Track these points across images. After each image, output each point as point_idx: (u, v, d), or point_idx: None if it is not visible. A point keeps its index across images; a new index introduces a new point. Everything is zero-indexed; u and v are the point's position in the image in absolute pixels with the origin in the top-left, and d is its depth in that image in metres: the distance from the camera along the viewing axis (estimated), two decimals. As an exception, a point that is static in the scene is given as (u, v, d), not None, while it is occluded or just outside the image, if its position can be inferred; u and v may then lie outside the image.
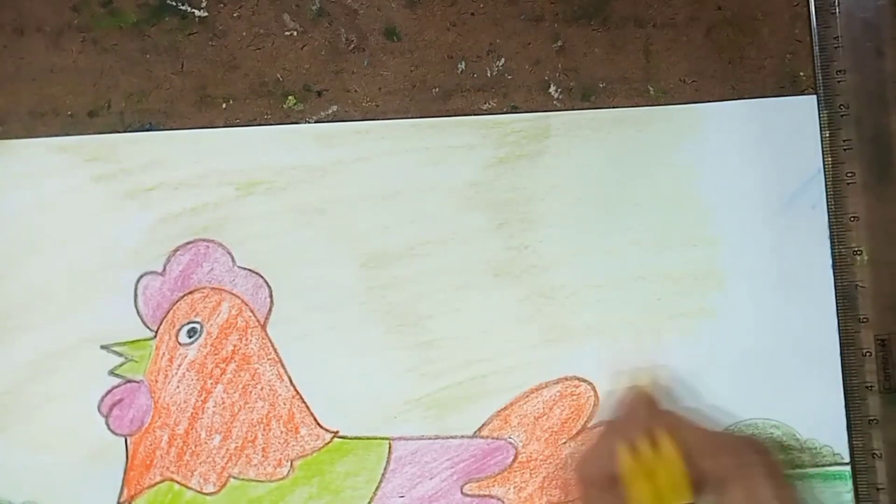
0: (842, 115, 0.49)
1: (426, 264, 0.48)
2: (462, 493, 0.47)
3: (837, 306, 0.49)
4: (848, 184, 0.49)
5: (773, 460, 0.43)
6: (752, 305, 0.48)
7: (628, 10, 0.51)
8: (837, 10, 0.50)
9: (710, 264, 0.48)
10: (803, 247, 0.48)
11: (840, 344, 0.49)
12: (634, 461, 0.43)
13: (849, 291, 0.49)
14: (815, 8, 0.50)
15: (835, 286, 0.49)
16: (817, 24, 0.50)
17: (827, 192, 0.49)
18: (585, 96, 0.50)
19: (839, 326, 0.49)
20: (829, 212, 0.49)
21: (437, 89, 0.50)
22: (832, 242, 0.49)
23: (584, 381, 0.48)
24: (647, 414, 0.45)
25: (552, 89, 0.51)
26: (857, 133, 0.49)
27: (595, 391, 0.48)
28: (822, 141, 0.49)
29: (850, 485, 0.48)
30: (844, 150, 0.49)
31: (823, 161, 0.49)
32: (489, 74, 0.50)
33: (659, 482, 0.43)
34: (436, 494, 0.47)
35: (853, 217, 0.49)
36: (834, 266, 0.49)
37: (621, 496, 0.43)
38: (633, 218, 0.49)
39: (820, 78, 0.50)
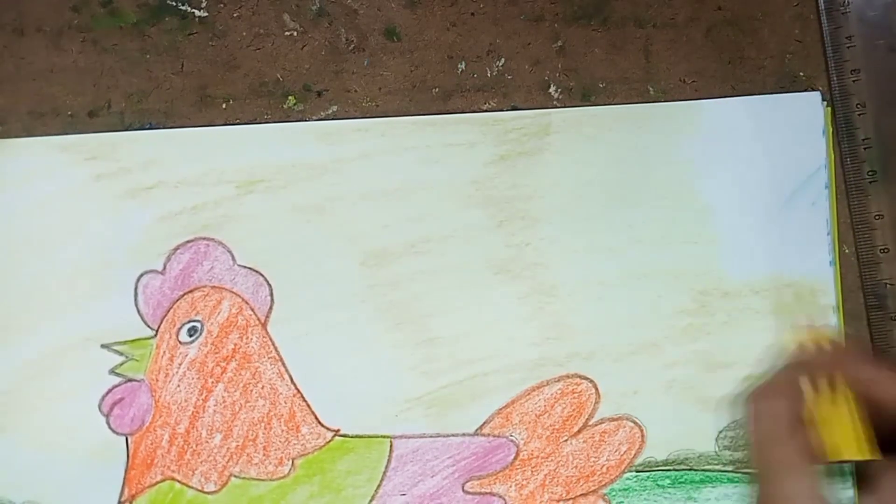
0: (859, 115, 0.52)
1: (427, 262, 0.51)
2: (463, 490, 0.49)
3: (867, 306, 0.51)
4: (870, 182, 0.52)
5: None
6: (753, 302, 0.51)
7: (628, 10, 0.54)
8: (848, 10, 0.52)
9: (710, 261, 0.51)
10: (803, 244, 0.51)
11: (871, 343, 0.50)
12: (813, 403, 0.43)
13: (878, 290, 0.51)
14: (825, 9, 0.53)
15: (862, 287, 0.51)
16: (828, 25, 0.53)
17: (848, 190, 0.52)
18: (585, 96, 0.53)
19: (869, 326, 0.51)
20: (850, 212, 0.52)
21: (437, 89, 0.53)
22: (856, 243, 0.51)
23: (585, 378, 0.50)
24: (833, 359, 0.45)
25: (552, 89, 0.54)
26: (875, 131, 0.52)
27: (596, 389, 0.50)
28: (829, 140, 0.52)
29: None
30: (864, 148, 0.52)
31: (842, 161, 0.52)
32: (489, 74, 0.53)
33: (839, 432, 0.43)
34: (437, 492, 0.49)
35: (878, 215, 0.51)
36: (860, 266, 0.51)
37: (808, 440, 0.43)
38: (634, 215, 0.51)
39: (835, 78, 0.52)
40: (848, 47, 0.52)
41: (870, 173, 0.52)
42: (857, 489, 0.48)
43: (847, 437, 0.43)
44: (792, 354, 0.47)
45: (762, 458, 0.44)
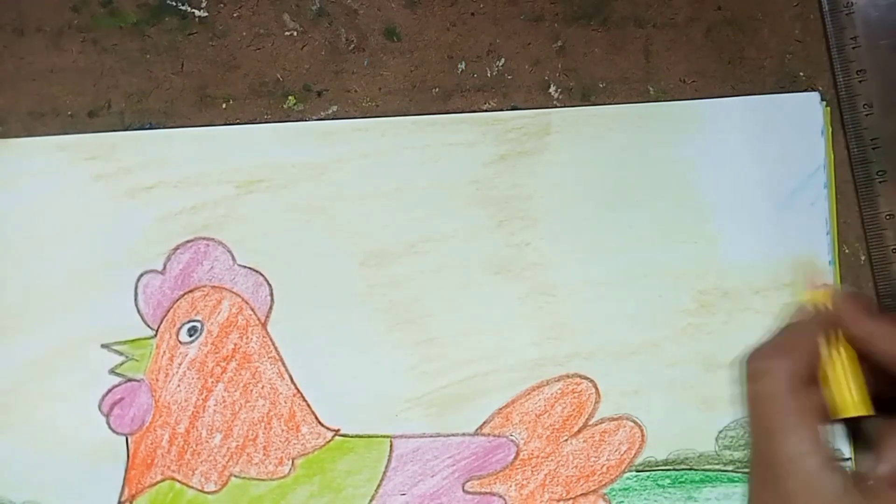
0: (866, 115, 0.52)
1: (427, 262, 0.51)
2: (464, 490, 0.49)
3: (881, 306, 0.51)
4: (880, 182, 0.52)
5: None
6: (753, 302, 0.51)
7: (628, 10, 0.54)
8: (852, 12, 0.53)
9: (710, 261, 0.51)
10: (803, 243, 0.51)
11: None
12: (835, 362, 0.44)
13: (892, 289, 0.51)
14: (829, 9, 0.53)
15: (875, 287, 0.52)
16: (832, 27, 0.53)
17: (858, 191, 0.52)
18: (585, 96, 0.53)
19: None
20: (861, 212, 0.52)
21: (437, 89, 0.53)
22: (867, 243, 0.52)
23: (586, 378, 0.50)
24: (833, 318, 0.45)
25: (552, 89, 0.54)
26: (883, 131, 0.52)
27: (596, 388, 0.50)
28: (828, 140, 0.52)
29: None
30: (873, 149, 0.52)
31: (851, 162, 0.52)
32: (489, 74, 0.54)
33: (846, 390, 0.44)
34: (437, 492, 0.49)
35: (888, 215, 0.52)
36: (872, 266, 0.51)
37: (817, 397, 0.43)
38: (634, 215, 0.51)
39: (840, 80, 0.53)
40: (853, 48, 0.53)
41: (879, 173, 0.52)
42: (854, 448, 0.48)
43: (844, 396, 0.44)
44: (793, 315, 0.47)
45: (761, 417, 0.44)
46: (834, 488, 0.42)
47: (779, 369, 0.44)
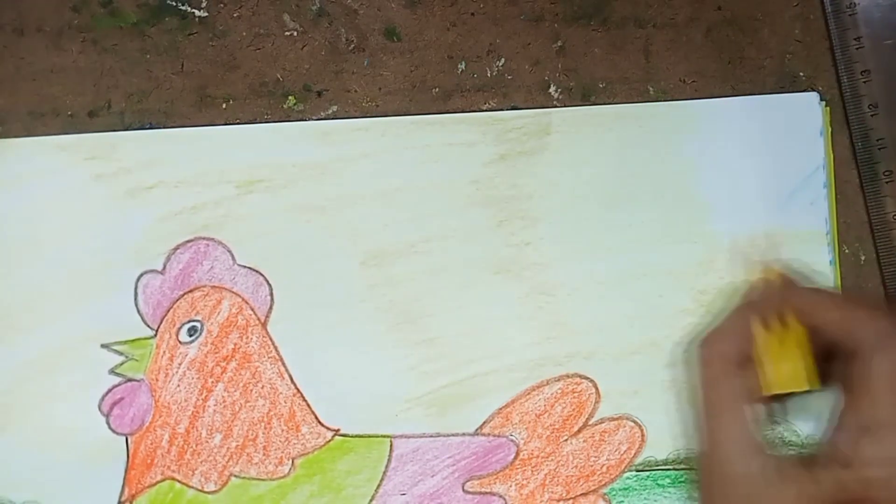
0: (871, 115, 0.52)
1: (427, 262, 0.51)
2: (463, 490, 0.50)
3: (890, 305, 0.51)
4: (887, 182, 0.52)
5: None
6: (753, 302, 0.52)
7: (628, 10, 0.54)
8: (856, 12, 0.53)
9: (710, 261, 0.51)
10: (803, 243, 0.51)
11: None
12: (766, 340, 0.44)
13: None
14: (832, 10, 0.53)
15: (884, 288, 0.52)
16: (835, 28, 0.53)
17: (865, 191, 0.53)
18: (585, 96, 0.53)
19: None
20: (868, 212, 0.52)
21: (437, 89, 0.54)
22: (875, 243, 0.52)
23: (585, 378, 0.51)
24: (781, 295, 0.45)
25: (552, 89, 0.54)
26: (889, 131, 0.52)
27: (596, 388, 0.50)
28: (827, 140, 0.52)
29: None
30: (879, 149, 0.52)
31: (857, 162, 0.52)
32: (489, 74, 0.54)
33: (792, 364, 0.44)
34: (437, 492, 0.50)
35: None
36: (882, 269, 0.52)
37: (748, 379, 0.44)
38: (634, 215, 0.52)
39: (845, 80, 0.53)
40: (857, 48, 0.53)
41: (885, 173, 0.52)
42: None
43: (793, 370, 0.44)
44: (742, 296, 0.47)
45: (709, 398, 0.45)
46: (765, 472, 0.42)
47: (721, 353, 0.45)
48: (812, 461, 0.42)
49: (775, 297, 0.46)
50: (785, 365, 0.45)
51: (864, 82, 0.53)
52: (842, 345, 0.42)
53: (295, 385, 0.50)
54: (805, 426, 0.49)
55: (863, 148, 0.53)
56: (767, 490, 0.42)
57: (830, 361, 0.44)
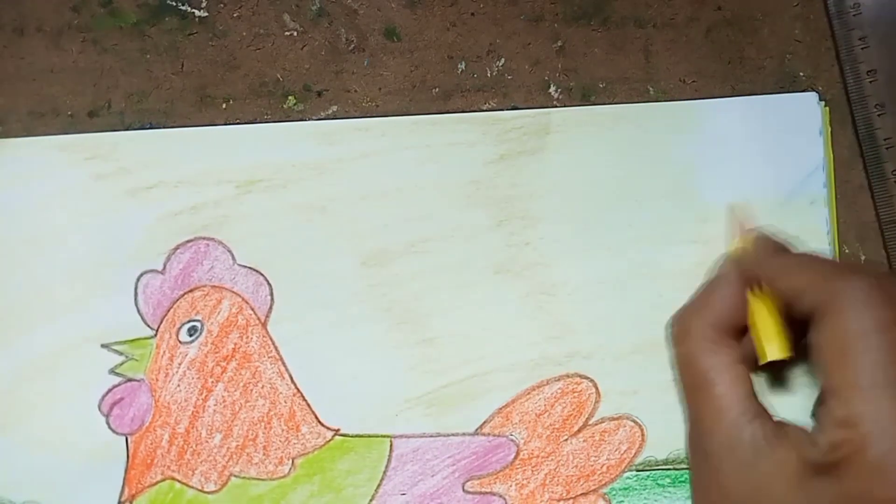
0: (878, 115, 0.53)
1: (427, 262, 0.51)
2: (464, 490, 0.50)
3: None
4: (895, 182, 0.53)
5: (877, 282, 0.40)
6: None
7: (628, 10, 0.54)
8: (860, 12, 0.53)
9: (710, 261, 0.51)
10: (802, 242, 0.51)
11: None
12: (760, 308, 0.45)
13: None
14: (836, 11, 0.54)
15: None
16: (839, 28, 0.54)
17: (873, 191, 0.53)
18: (585, 96, 0.54)
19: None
20: (877, 213, 0.53)
21: (437, 89, 0.54)
22: (885, 243, 0.53)
23: (586, 378, 0.51)
24: (750, 265, 0.46)
25: (552, 89, 0.54)
26: (895, 131, 0.53)
27: (596, 388, 0.51)
28: (826, 140, 0.52)
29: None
30: (886, 148, 0.53)
31: (864, 163, 0.53)
32: (489, 74, 0.54)
33: (759, 336, 0.45)
34: (437, 492, 0.50)
35: None
36: (892, 266, 0.52)
37: (735, 350, 0.45)
38: (634, 214, 0.52)
39: (851, 81, 0.53)
40: (862, 48, 0.53)
41: (894, 173, 0.53)
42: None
43: (764, 342, 0.45)
44: (717, 268, 0.49)
45: (684, 378, 0.46)
46: (747, 442, 0.42)
47: (695, 328, 0.46)
48: (801, 430, 0.43)
49: (747, 265, 0.47)
50: (765, 334, 0.45)
51: (870, 82, 0.53)
52: (804, 311, 0.42)
53: (295, 385, 0.51)
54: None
55: (869, 148, 0.53)
56: (761, 458, 0.42)
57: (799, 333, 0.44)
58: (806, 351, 0.45)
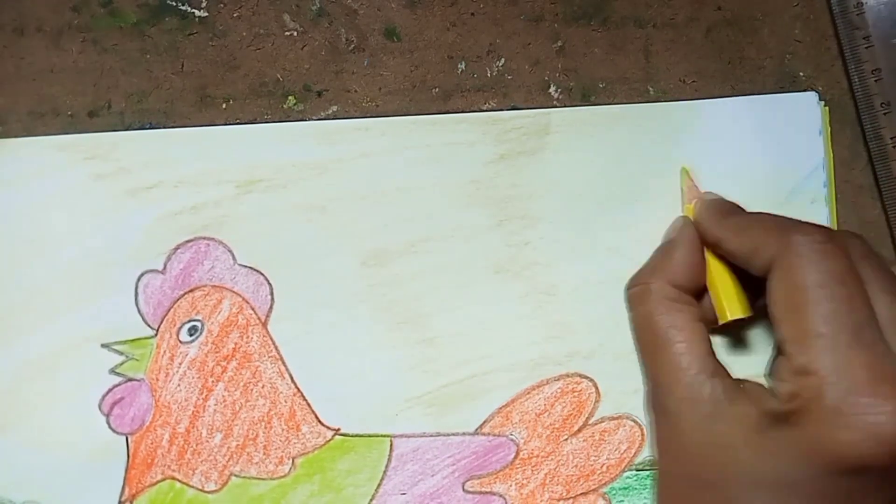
0: (884, 114, 0.53)
1: (427, 262, 0.52)
2: (464, 490, 0.50)
3: None
4: None
5: (829, 236, 0.42)
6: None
7: (628, 10, 0.55)
8: (863, 11, 0.53)
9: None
10: None
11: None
12: (717, 269, 0.47)
13: None
14: (839, 10, 0.54)
15: None
16: (843, 28, 0.54)
17: (881, 190, 0.53)
18: (585, 96, 0.54)
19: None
20: (885, 212, 0.53)
21: (437, 89, 0.54)
22: (892, 242, 0.53)
23: (586, 377, 0.51)
24: (709, 226, 0.48)
25: (552, 89, 0.55)
26: None
27: (596, 388, 0.51)
28: (826, 140, 0.53)
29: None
30: (893, 147, 0.53)
31: (871, 161, 0.53)
32: (489, 74, 0.55)
33: (717, 296, 0.47)
34: (437, 492, 0.50)
35: None
36: None
37: (691, 310, 0.46)
38: (634, 214, 0.52)
39: (856, 80, 0.54)
40: (866, 47, 0.54)
41: None
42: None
43: (730, 298, 0.47)
44: (672, 230, 0.50)
45: (642, 340, 0.48)
46: (706, 399, 0.43)
47: (646, 291, 0.47)
48: (758, 384, 0.45)
49: (704, 230, 0.48)
50: (719, 295, 0.47)
51: (876, 81, 0.53)
52: (760, 268, 0.44)
53: (295, 384, 0.51)
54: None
55: (876, 147, 0.53)
56: (720, 413, 0.43)
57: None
58: (762, 311, 0.46)
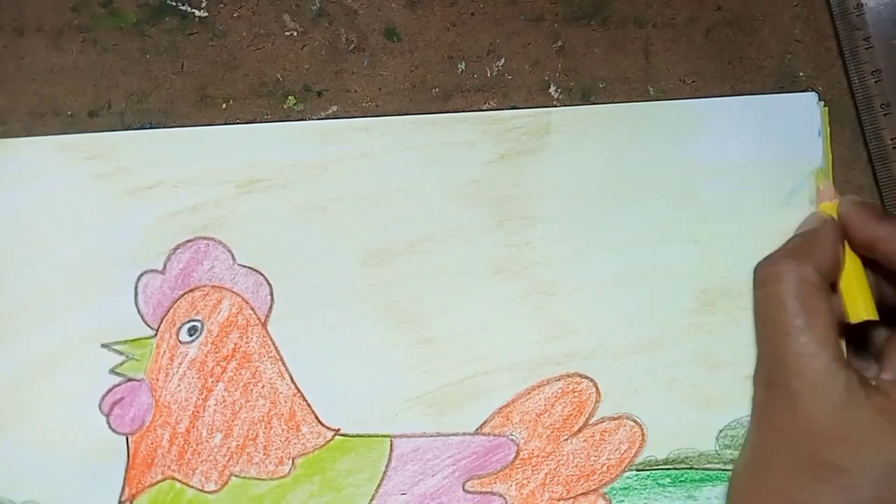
0: (885, 115, 0.53)
1: (427, 262, 0.52)
2: (464, 490, 0.50)
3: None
4: None
5: None
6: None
7: (628, 10, 0.55)
8: (863, 13, 0.54)
9: (711, 260, 0.52)
10: None
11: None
12: (854, 268, 0.48)
13: None
14: (839, 12, 0.54)
15: None
16: (843, 29, 0.54)
17: (882, 192, 0.54)
18: (585, 96, 0.54)
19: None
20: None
21: (437, 89, 0.54)
22: None
23: (586, 377, 0.51)
24: (860, 225, 0.49)
25: (552, 89, 0.55)
26: None
27: (596, 388, 0.51)
28: (826, 140, 0.53)
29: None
30: (893, 148, 0.53)
31: (872, 163, 0.53)
32: (489, 74, 0.55)
33: (853, 295, 0.48)
34: (437, 492, 0.50)
35: None
36: None
37: (833, 301, 0.47)
38: (634, 214, 0.52)
39: (856, 81, 0.54)
40: (866, 48, 0.54)
41: None
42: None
43: (852, 302, 0.47)
44: (804, 223, 0.51)
45: (770, 320, 0.48)
46: (840, 387, 0.44)
47: (788, 273, 0.47)
48: (887, 380, 0.46)
49: (835, 227, 0.49)
50: (853, 295, 0.48)
51: (876, 82, 0.54)
52: None
53: (295, 385, 0.51)
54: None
55: (877, 148, 0.54)
56: (853, 403, 0.44)
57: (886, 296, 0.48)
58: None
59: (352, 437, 0.51)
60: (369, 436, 0.51)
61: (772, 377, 0.48)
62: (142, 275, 0.52)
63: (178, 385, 0.51)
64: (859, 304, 0.48)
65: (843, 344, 0.48)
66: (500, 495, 0.51)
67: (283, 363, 0.51)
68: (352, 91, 0.54)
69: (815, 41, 0.55)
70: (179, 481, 0.50)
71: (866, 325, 0.49)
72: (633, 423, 0.51)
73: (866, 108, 0.54)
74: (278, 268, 0.52)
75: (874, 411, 0.44)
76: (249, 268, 0.52)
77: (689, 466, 0.51)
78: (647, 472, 0.51)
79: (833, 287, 0.48)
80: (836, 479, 0.43)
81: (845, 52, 0.54)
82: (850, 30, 0.54)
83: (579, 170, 0.53)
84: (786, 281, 0.47)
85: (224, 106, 0.54)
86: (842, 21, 0.54)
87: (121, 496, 0.50)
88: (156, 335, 0.51)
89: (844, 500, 0.43)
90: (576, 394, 0.52)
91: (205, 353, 0.51)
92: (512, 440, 0.51)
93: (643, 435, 0.51)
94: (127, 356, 0.51)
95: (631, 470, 0.51)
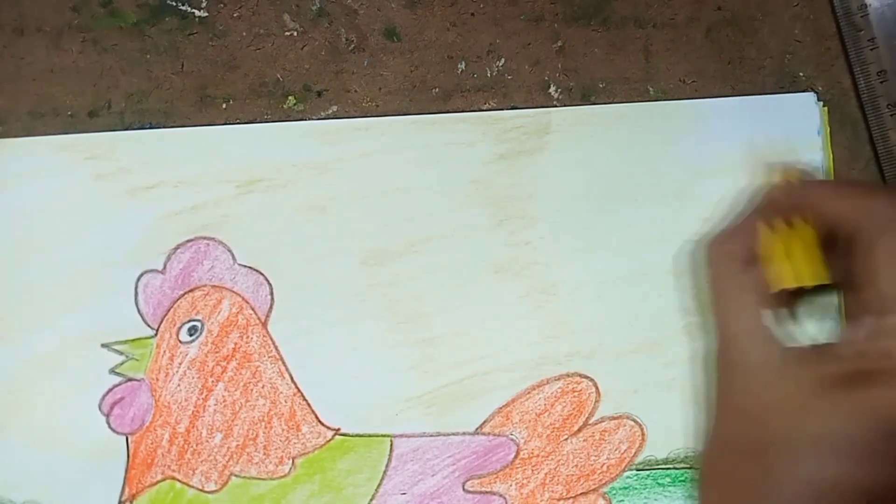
0: (890, 115, 0.53)
1: (427, 261, 0.52)
2: (464, 489, 0.51)
3: None
4: None
5: None
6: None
7: (628, 10, 0.55)
8: (867, 13, 0.54)
9: None
10: None
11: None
12: (771, 239, 0.48)
13: None
14: (843, 13, 0.54)
15: None
16: (847, 30, 0.54)
17: None
18: (585, 96, 0.54)
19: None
20: None
21: (437, 89, 0.55)
22: None
23: (586, 377, 0.51)
24: (787, 194, 0.49)
25: (552, 89, 0.55)
26: None
27: (596, 387, 0.51)
28: (825, 140, 0.53)
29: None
30: None
31: (879, 164, 0.53)
32: (489, 74, 0.55)
33: (795, 261, 0.48)
34: (437, 491, 0.51)
35: None
36: None
37: (756, 276, 0.47)
38: (634, 214, 0.53)
39: (861, 83, 0.54)
40: (871, 49, 0.54)
41: None
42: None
43: (798, 268, 0.48)
44: (752, 198, 0.51)
45: (715, 297, 0.48)
46: (782, 359, 0.45)
47: (734, 250, 0.48)
48: (826, 347, 0.47)
49: (784, 198, 0.49)
50: (790, 263, 0.48)
51: (881, 83, 0.54)
52: (850, 234, 0.45)
53: (295, 384, 0.51)
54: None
55: (883, 148, 0.54)
56: (785, 375, 0.44)
57: (841, 258, 0.47)
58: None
59: (352, 436, 0.51)
60: (369, 435, 0.51)
61: (719, 359, 0.48)
62: (142, 275, 0.52)
63: (178, 385, 0.51)
64: (804, 269, 0.48)
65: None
66: (500, 495, 0.51)
67: (283, 363, 0.51)
68: (352, 91, 0.54)
69: (815, 41, 0.55)
70: (179, 481, 0.51)
71: (815, 290, 0.50)
72: (632, 423, 0.52)
73: (872, 108, 0.54)
74: (278, 268, 0.52)
75: (796, 382, 0.44)
76: (249, 268, 0.52)
77: (689, 466, 0.51)
78: (647, 472, 0.51)
79: (760, 260, 0.49)
80: (772, 458, 0.43)
81: (850, 53, 0.54)
82: (854, 31, 0.54)
83: (579, 170, 0.53)
84: (731, 257, 0.48)
85: (224, 106, 0.54)
86: (845, 22, 0.54)
87: (121, 496, 0.51)
88: (156, 335, 0.51)
89: (791, 475, 0.43)
90: (576, 393, 0.52)
91: (205, 353, 0.51)
92: (512, 440, 0.51)
93: (643, 435, 0.52)
94: (127, 356, 0.51)
95: (631, 470, 0.51)
